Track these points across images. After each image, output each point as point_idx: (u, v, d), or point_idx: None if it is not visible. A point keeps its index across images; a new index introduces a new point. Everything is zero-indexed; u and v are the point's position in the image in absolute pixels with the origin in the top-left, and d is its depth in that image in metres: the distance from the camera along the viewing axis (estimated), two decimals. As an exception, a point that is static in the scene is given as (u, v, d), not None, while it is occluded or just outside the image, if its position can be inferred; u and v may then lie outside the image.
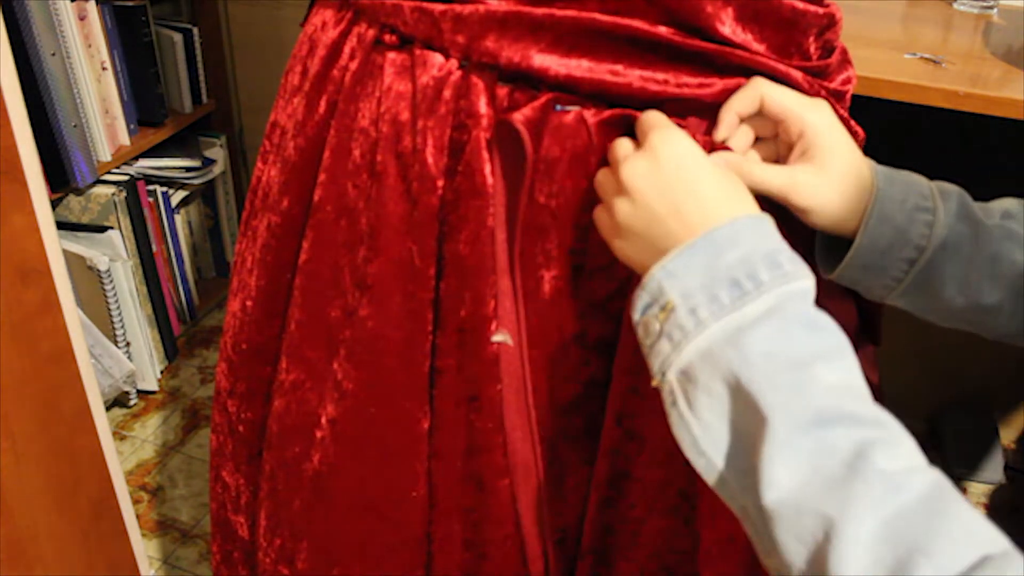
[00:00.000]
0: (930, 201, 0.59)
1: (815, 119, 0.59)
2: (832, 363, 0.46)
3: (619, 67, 0.58)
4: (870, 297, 0.63)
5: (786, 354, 0.46)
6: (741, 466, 0.46)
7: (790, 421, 0.43)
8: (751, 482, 0.44)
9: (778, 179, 0.59)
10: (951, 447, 1.69)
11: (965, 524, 0.40)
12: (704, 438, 0.47)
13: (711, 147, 0.60)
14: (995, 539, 0.40)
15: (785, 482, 0.42)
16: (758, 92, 0.59)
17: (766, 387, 0.45)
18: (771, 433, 0.43)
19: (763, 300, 0.47)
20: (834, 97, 0.65)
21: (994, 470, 1.66)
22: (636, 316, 0.51)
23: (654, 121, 0.56)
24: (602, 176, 0.58)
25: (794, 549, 0.41)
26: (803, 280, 0.49)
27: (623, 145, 0.57)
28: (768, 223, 0.52)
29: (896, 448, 0.43)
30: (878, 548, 0.39)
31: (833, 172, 0.59)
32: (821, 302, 0.70)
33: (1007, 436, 1.74)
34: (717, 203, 0.52)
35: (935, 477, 0.42)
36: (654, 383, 0.50)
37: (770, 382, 0.45)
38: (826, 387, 0.45)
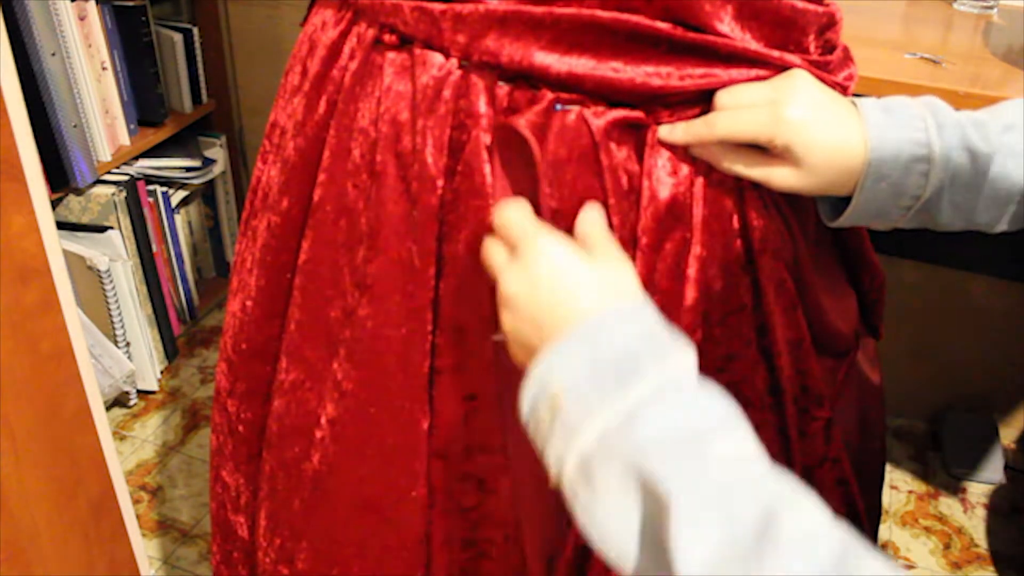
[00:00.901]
0: (925, 147, 0.58)
1: (784, 131, 0.58)
2: (725, 434, 0.46)
3: (620, 63, 0.58)
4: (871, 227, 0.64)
5: (678, 435, 0.45)
6: (652, 552, 0.45)
7: (693, 498, 0.43)
8: (664, 565, 0.43)
9: (755, 173, 0.60)
10: (951, 447, 1.70)
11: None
12: (610, 530, 0.46)
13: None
14: None
15: (697, 559, 0.41)
16: (714, 133, 0.59)
17: (663, 470, 0.44)
18: (676, 513, 0.42)
19: (647, 382, 0.47)
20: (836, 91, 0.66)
21: (994, 470, 1.66)
22: (525, 415, 0.51)
23: (522, 230, 0.56)
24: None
25: None
26: (684, 355, 0.49)
27: (498, 254, 0.58)
28: (644, 306, 0.52)
29: (801, 509, 0.43)
30: None
31: (812, 165, 0.59)
32: (824, 299, 0.70)
33: (1007, 436, 1.74)
34: (592, 299, 0.52)
35: (844, 536, 0.42)
36: (552, 481, 0.50)
37: (666, 465, 0.44)
38: (722, 459, 0.45)
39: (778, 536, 0.41)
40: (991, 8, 1.35)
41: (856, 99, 0.61)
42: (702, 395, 0.48)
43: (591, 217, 0.58)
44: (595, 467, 0.47)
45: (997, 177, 0.58)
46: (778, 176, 0.59)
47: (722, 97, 0.60)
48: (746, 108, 0.59)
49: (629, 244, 0.63)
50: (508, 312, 0.55)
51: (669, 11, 0.58)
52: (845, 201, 0.61)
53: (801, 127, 0.58)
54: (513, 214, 0.57)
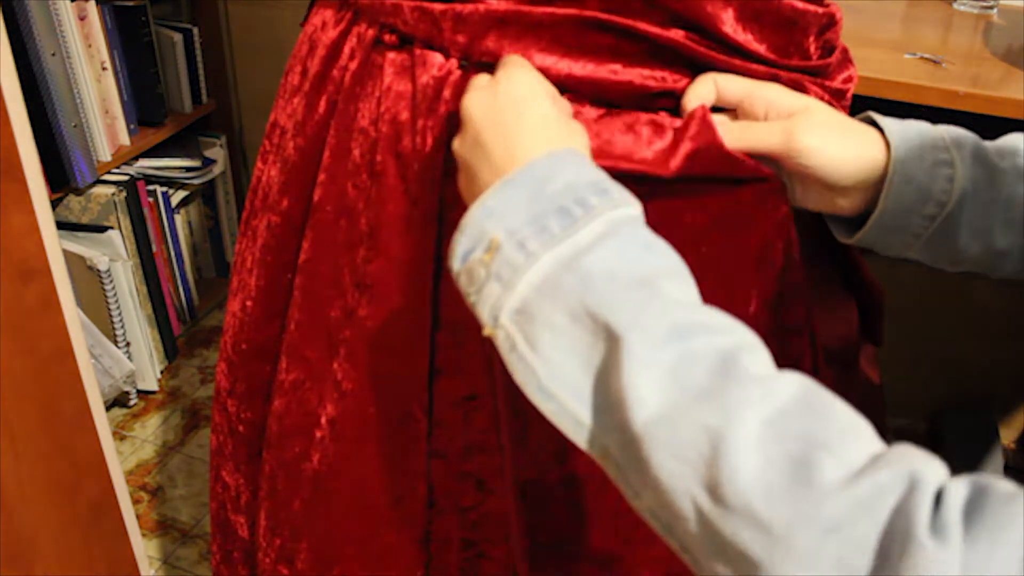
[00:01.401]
0: (947, 152, 0.58)
1: (776, 92, 0.58)
2: (676, 280, 0.44)
3: (619, 66, 0.58)
4: (885, 253, 0.62)
5: (629, 273, 0.42)
6: (599, 401, 0.42)
7: (647, 337, 0.40)
8: (614, 415, 0.40)
9: (775, 134, 0.57)
10: (951, 447, 1.69)
11: (850, 420, 0.38)
12: (551, 378, 0.43)
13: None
14: (875, 437, 0.38)
15: (654, 400, 0.39)
16: (711, 80, 0.58)
17: (614, 307, 0.41)
18: (629, 352, 0.39)
19: (596, 224, 0.44)
20: (835, 96, 0.66)
21: (994, 470, 1.66)
22: (456, 265, 0.47)
23: (508, 59, 0.55)
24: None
25: (677, 471, 0.37)
26: (633, 207, 0.46)
27: (478, 79, 0.55)
28: (588, 158, 0.49)
29: (757, 353, 0.41)
30: (769, 449, 0.36)
31: (823, 121, 0.57)
32: (823, 305, 0.70)
33: (1007, 436, 1.74)
34: (543, 139, 0.49)
35: (802, 378, 0.40)
36: (485, 332, 0.46)
37: (617, 301, 0.41)
38: (676, 301, 0.42)
39: (737, 374, 0.38)
40: (991, 8, 1.35)
41: (872, 115, 0.61)
42: (652, 242, 0.45)
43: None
44: (536, 310, 0.43)
45: (1012, 198, 0.58)
46: (800, 127, 0.57)
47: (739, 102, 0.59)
48: (760, 124, 0.58)
49: None
50: (461, 135, 0.52)
51: (671, 13, 0.58)
52: (857, 223, 0.60)
53: (793, 95, 0.58)
54: (514, 56, 0.55)
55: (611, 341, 0.41)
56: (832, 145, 0.57)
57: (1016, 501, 0.33)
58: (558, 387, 0.43)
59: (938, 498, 0.34)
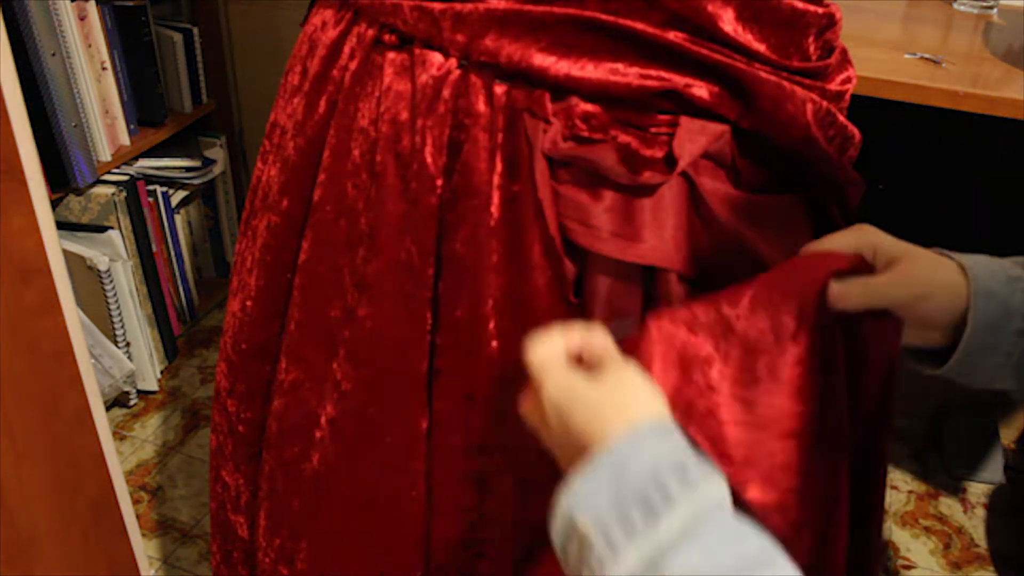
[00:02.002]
0: (1019, 268, 0.59)
1: (877, 237, 0.60)
2: (760, 571, 0.43)
3: (619, 66, 0.58)
4: (977, 386, 0.62)
5: (713, 571, 0.42)
6: None
7: None
8: None
9: (899, 288, 0.59)
10: (951, 447, 1.69)
11: None
12: None
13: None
14: None
15: None
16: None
17: None
18: None
19: (677, 515, 0.44)
20: (834, 99, 0.66)
21: (994, 470, 1.66)
22: (557, 546, 0.49)
23: (538, 362, 0.54)
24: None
25: None
26: (715, 485, 0.47)
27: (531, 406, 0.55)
28: (669, 425, 0.50)
29: None
30: None
31: (925, 265, 0.59)
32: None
33: (1007, 436, 1.74)
34: (606, 420, 0.49)
35: None
36: None
37: None
38: None
39: None
40: (991, 8, 1.35)
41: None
42: (737, 528, 0.45)
43: (597, 338, 0.55)
44: None
45: None
46: (907, 276, 0.59)
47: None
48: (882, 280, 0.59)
49: None
50: (543, 439, 0.54)
51: (672, 13, 0.58)
52: (945, 355, 0.60)
53: (893, 241, 0.60)
54: (532, 348, 0.55)
55: None
56: (925, 269, 0.59)
57: None
58: None
59: None
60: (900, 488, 1.65)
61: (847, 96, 0.69)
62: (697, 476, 0.46)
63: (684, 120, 0.61)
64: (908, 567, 1.50)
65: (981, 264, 0.59)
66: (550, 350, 0.54)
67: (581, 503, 0.47)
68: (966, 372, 0.60)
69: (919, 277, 0.59)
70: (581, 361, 0.54)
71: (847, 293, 0.58)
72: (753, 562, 0.43)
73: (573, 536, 0.47)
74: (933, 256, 0.60)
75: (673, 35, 0.58)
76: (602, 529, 0.45)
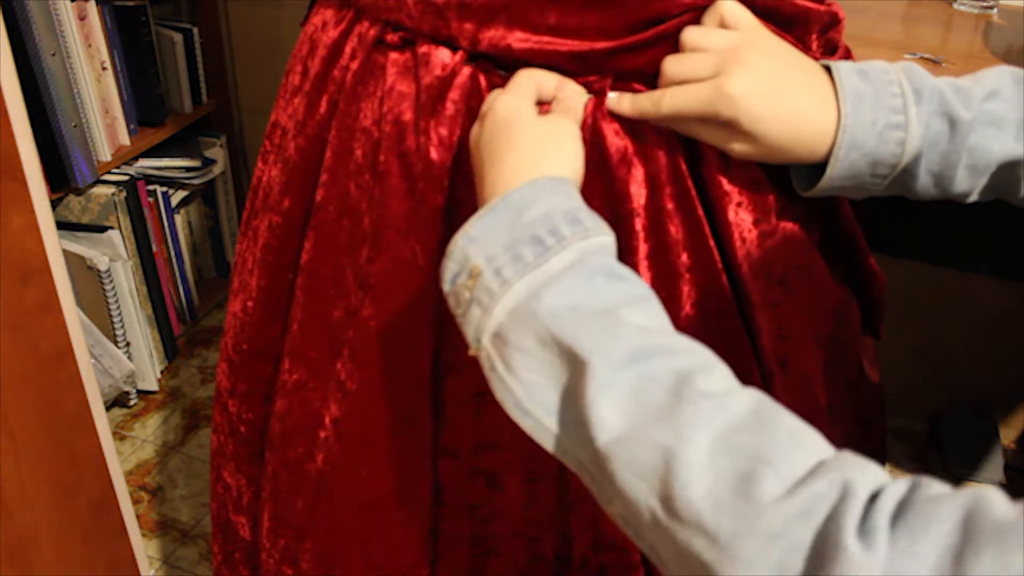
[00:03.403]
0: (901, 113, 0.56)
1: (727, 106, 0.55)
2: (637, 307, 0.46)
3: (627, 43, 0.58)
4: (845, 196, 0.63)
5: (591, 303, 0.46)
6: (569, 418, 0.45)
7: (608, 361, 0.43)
8: (582, 432, 0.43)
9: (714, 139, 0.57)
10: (951, 447, 1.69)
11: (796, 432, 0.40)
12: (527, 398, 0.46)
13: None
14: (823, 445, 0.40)
15: (614, 421, 0.42)
16: (659, 111, 0.58)
17: (579, 335, 0.44)
18: (591, 376, 0.43)
19: (565, 254, 0.47)
20: None
21: (994, 470, 1.66)
22: (446, 287, 0.51)
23: (515, 76, 0.57)
24: None
25: (636, 486, 0.41)
26: (603, 235, 0.49)
27: (483, 105, 0.58)
28: (568, 184, 0.52)
29: (713, 372, 0.43)
30: (718, 463, 0.39)
31: (765, 137, 0.56)
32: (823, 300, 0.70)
33: (1007, 436, 1.74)
34: (525, 164, 0.52)
35: (756, 394, 0.42)
36: (471, 352, 0.50)
37: (581, 330, 0.45)
38: (635, 327, 0.45)
39: (691, 393, 0.41)
40: (991, 8, 1.35)
41: (831, 62, 0.58)
42: (617, 271, 0.48)
43: (570, 89, 0.58)
44: (510, 334, 0.47)
45: (977, 146, 0.57)
46: (736, 147, 0.57)
47: (668, 66, 0.58)
48: (691, 82, 0.57)
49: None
50: (471, 158, 0.57)
51: (680, 8, 0.58)
52: (819, 169, 0.59)
53: (746, 101, 0.55)
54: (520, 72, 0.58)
55: (576, 365, 0.44)
56: (772, 121, 0.56)
57: (941, 501, 0.35)
58: (533, 406, 0.46)
59: (873, 502, 0.36)
60: (900, 488, 1.65)
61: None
62: (589, 225, 0.49)
63: None
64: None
65: (863, 103, 0.56)
66: (520, 84, 0.57)
67: (477, 241, 0.49)
68: (831, 192, 0.60)
69: (743, 85, 0.55)
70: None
71: (621, 102, 0.59)
72: (630, 298, 0.47)
73: (463, 271, 0.49)
74: (805, 82, 0.56)
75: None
76: (493, 265, 0.48)
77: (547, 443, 0.47)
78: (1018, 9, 1.36)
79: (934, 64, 1.13)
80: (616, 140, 0.61)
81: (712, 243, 0.63)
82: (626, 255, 0.63)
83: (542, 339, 0.46)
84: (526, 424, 0.47)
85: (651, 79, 0.60)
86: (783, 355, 0.68)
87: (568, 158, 0.54)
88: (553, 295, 0.46)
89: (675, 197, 0.62)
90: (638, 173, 0.61)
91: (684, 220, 0.63)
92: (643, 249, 0.63)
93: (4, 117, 0.89)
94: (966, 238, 1.67)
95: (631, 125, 0.61)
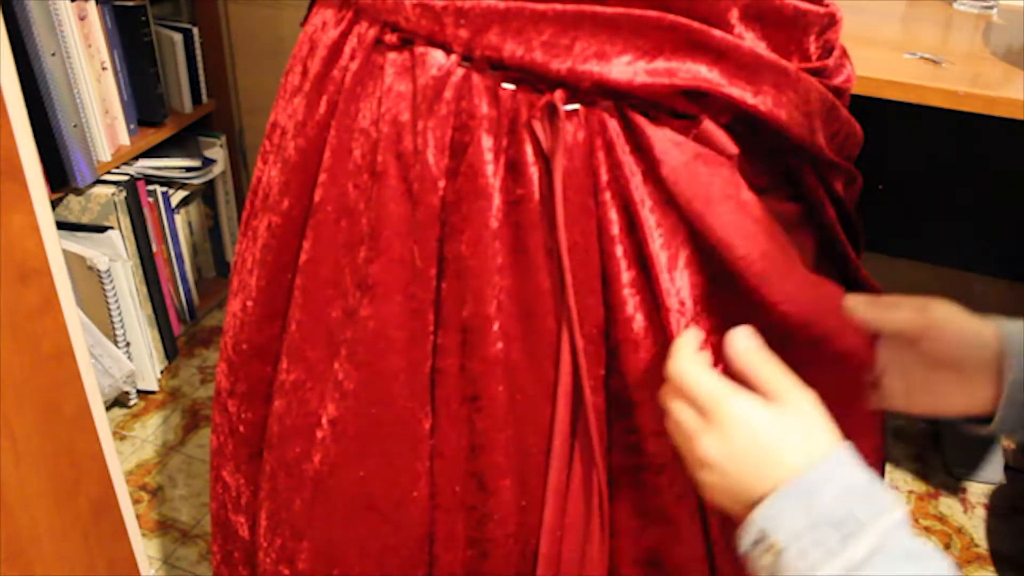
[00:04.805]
0: None
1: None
2: None
3: (623, 61, 0.58)
4: None
5: None
6: None
7: None
8: None
9: (909, 310, 0.63)
10: (951, 447, 1.69)
11: None
12: None
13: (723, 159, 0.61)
14: None
15: None
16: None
17: None
18: None
19: (866, 540, 0.50)
20: (833, 94, 0.66)
21: (994, 470, 1.66)
22: (744, 551, 0.55)
23: (710, 395, 0.58)
24: (674, 427, 0.61)
25: None
26: (898, 510, 0.52)
27: (690, 418, 0.59)
28: (850, 455, 0.55)
29: None
30: None
31: (950, 304, 0.63)
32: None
33: (1007, 436, 1.74)
34: (797, 455, 0.55)
35: None
36: None
37: None
38: None
39: None
40: (991, 8, 1.35)
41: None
42: (918, 552, 0.50)
43: (768, 365, 0.59)
44: None
45: None
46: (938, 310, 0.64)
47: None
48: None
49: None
50: (709, 473, 0.58)
51: (672, 11, 0.58)
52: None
53: (946, 320, 0.64)
54: (695, 375, 0.59)
55: None
56: (959, 319, 0.63)
57: None
58: None
59: None
60: (900, 488, 1.65)
61: (847, 95, 0.69)
62: (880, 501, 0.52)
63: (707, 121, 0.61)
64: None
65: (1014, 323, 0.62)
66: (708, 371, 0.59)
67: (774, 520, 0.53)
68: (1015, 427, 0.63)
69: (941, 314, 0.62)
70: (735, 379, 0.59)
71: (859, 305, 0.62)
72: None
73: (763, 547, 0.53)
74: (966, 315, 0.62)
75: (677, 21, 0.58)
76: (797, 544, 0.51)
77: None
78: (1018, 9, 1.36)
79: (934, 64, 1.13)
80: (604, 167, 0.62)
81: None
82: (612, 280, 0.64)
83: None
84: None
85: (642, 102, 0.60)
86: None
87: (826, 427, 0.57)
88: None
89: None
90: (625, 198, 0.62)
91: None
92: (626, 276, 0.63)
93: (4, 117, 0.89)
94: (966, 238, 1.67)
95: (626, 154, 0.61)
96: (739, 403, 0.57)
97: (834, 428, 0.57)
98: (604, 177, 0.62)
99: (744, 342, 0.59)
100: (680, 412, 0.59)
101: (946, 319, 0.63)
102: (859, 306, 0.64)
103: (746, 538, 0.54)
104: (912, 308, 0.63)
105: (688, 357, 0.59)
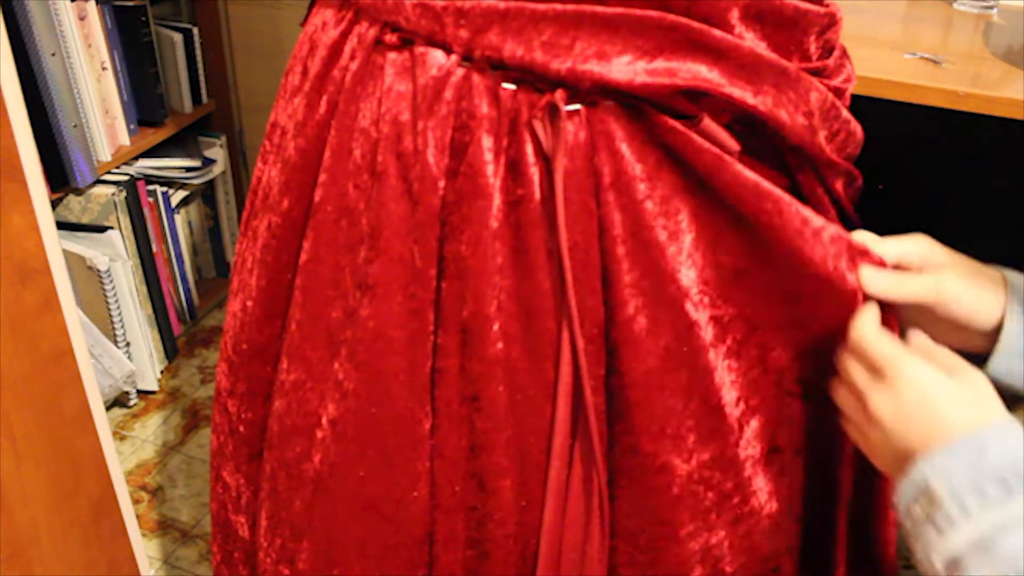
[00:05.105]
0: None
1: (927, 247, 0.65)
2: None
3: (622, 61, 0.58)
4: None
5: None
6: None
7: None
8: None
9: (929, 284, 0.64)
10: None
11: None
12: None
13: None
14: None
15: None
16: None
17: None
18: None
19: None
20: (834, 94, 0.66)
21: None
22: (900, 506, 0.56)
23: (885, 356, 0.60)
24: (845, 388, 0.63)
25: None
26: None
27: (862, 377, 0.61)
28: (1012, 423, 0.56)
29: None
30: None
31: (965, 274, 0.64)
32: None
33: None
34: (963, 418, 0.56)
35: None
36: (918, 568, 0.55)
37: None
38: None
39: None
40: (991, 8, 1.35)
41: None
42: None
43: (943, 349, 0.61)
44: (968, 563, 0.51)
45: None
46: (948, 282, 0.64)
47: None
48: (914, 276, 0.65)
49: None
50: (877, 430, 0.60)
51: (672, 11, 0.58)
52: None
53: (957, 301, 0.64)
54: (873, 337, 0.61)
55: None
56: (970, 295, 0.63)
57: None
58: None
59: None
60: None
61: (847, 95, 0.69)
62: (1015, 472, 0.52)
63: (707, 119, 0.61)
64: (908, 567, 1.50)
65: (1020, 276, 0.63)
66: (883, 334, 0.61)
67: (939, 471, 0.54)
68: (1008, 374, 0.64)
69: (951, 290, 0.63)
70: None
71: (876, 279, 0.63)
72: None
73: (922, 497, 0.54)
74: (975, 265, 0.63)
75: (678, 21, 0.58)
76: (956, 496, 0.53)
77: None
78: (1018, 9, 1.36)
79: (934, 64, 1.13)
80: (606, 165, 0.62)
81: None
82: (614, 280, 0.64)
83: (1002, 572, 0.49)
84: None
85: (643, 102, 0.60)
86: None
87: (992, 396, 0.58)
88: (1018, 536, 0.50)
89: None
90: (631, 197, 0.62)
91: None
92: (629, 277, 0.63)
93: (4, 117, 0.89)
94: (966, 238, 1.66)
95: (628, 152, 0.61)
96: (914, 364, 0.59)
97: (999, 402, 0.58)
98: (607, 178, 0.62)
99: (916, 338, 0.62)
100: (854, 371, 0.62)
101: (957, 297, 0.63)
102: (873, 278, 0.64)
103: (906, 491, 0.56)
104: (924, 285, 0.64)
105: (870, 323, 0.61)
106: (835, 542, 0.74)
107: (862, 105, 0.81)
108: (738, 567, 0.72)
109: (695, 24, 0.58)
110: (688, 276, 0.64)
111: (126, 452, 1.70)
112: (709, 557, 0.72)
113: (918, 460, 0.55)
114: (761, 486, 0.70)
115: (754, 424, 0.69)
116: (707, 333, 0.66)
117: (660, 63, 0.58)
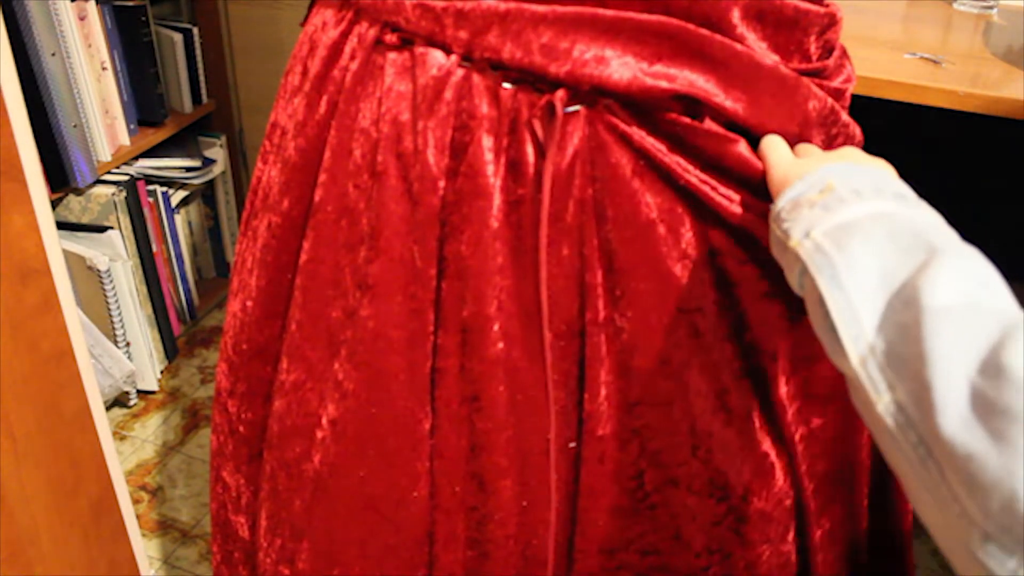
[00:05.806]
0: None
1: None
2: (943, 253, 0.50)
3: (621, 63, 0.58)
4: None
5: (948, 230, 0.51)
6: (883, 301, 0.47)
7: (957, 258, 0.46)
8: (906, 294, 0.45)
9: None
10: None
11: None
12: (849, 272, 0.48)
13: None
14: None
15: (949, 289, 0.44)
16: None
17: (941, 235, 0.49)
18: (941, 258, 0.46)
19: (925, 206, 0.53)
20: (834, 97, 0.66)
21: (994, 470, 1.66)
22: (781, 202, 0.56)
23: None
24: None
25: (959, 347, 0.42)
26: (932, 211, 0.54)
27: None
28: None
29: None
30: None
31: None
32: None
33: (1007, 436, 1.74)
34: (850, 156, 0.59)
35: None
36: (791, 244, 0.53)
37: (943, 237, 0.49)
38: (986, 264, 0.48)
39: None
40: (991, 8, 1.35)
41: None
42: (941, 221, 0.53)
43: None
44: (858, 227, 0.50)
45: None
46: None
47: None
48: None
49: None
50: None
51: (680, 13, 0.58)
52: None
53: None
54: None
55: (929, 253, 0.47)
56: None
57: None
58: (852, 281, 0.48)
59: None
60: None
61: (847, 95, 0.69)
62: (917, 200, 0.54)
63: (709, 122, 0.61)
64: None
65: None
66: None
67: (832, 171, 0.55)
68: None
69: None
70: None
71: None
72: (943, 244, 0.49)
73: (813, 188, 0.54)
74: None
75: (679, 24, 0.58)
76: (852, 185, 0.53)
77: (843, 323, 0.48)
78: (1018, 9, 1.36)
79: (934, 64, 1.13)
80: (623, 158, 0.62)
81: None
82: (655, 261, 0.63)
83: (894, 233, 0.49)
84: (833, 297, 0.48)
85: (637, 105, 0.60)
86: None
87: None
88: (920, 213, 0.51)
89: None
90: (651, 185, 0.62)
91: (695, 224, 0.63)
92: (674, 253, 0.63)
93: (4, 117, 0.89)
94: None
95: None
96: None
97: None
98: (607, 176, 0.62)
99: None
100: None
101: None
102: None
103: (796, 188, 0.55)
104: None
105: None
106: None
107: (862, 105, 0.81)
108: (734, 566, 0.72)
109: (696, 30, 0.58)
110: (686, 275, 0.64)
111: (126, 452, 1.70)
112: (708, 553, 0.72)
113: (820, 167, 0.56)
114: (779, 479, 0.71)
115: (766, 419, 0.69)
116: (707, 331, 0.66)
117: (659, 67, 0.58)
